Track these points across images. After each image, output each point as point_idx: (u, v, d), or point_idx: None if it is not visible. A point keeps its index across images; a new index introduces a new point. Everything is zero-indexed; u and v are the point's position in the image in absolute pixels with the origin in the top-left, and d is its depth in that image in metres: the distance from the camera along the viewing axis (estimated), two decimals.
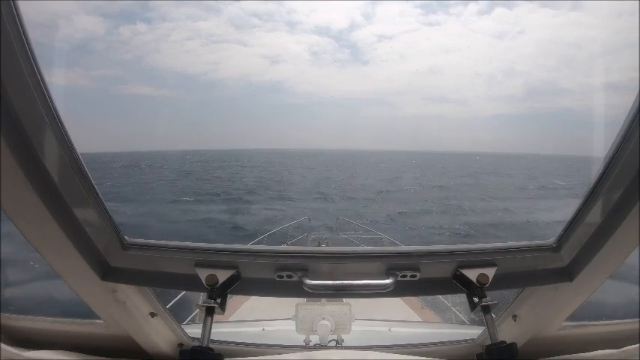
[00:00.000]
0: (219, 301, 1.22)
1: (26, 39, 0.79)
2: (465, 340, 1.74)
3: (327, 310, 2.07)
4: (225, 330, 2.26)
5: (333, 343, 2.08)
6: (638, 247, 1.11)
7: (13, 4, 0.76)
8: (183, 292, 3.34)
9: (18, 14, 0.77)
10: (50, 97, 0.87)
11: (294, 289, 1.26)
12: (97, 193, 1.08)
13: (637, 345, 1.33)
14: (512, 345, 1.20)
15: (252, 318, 3.04)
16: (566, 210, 1.22)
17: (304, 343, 2.12)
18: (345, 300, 2.12)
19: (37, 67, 0.83)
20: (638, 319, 1.54)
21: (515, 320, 1.50)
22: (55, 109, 0.89)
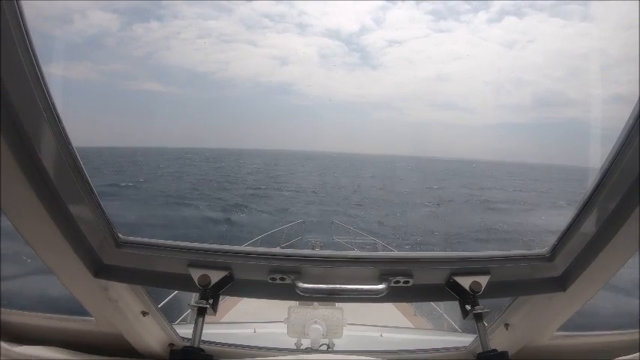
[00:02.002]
0: (211, 301, 1.22)
1: (27, 33, 0.79)
2: (457, 348, 1.74)
3: (319, 314, 2.07)
4: (216, 331, 2.25)
5: (325, 347, 2.08)
6: (632, 259, 1.12)
7: (17, 2, 0.76)
8: (176, 291, 3.33)
9: (20, 9, 0.77)
10: (49, 93, 0.87)
11: (286, 292, 1.25)
12: (92, 190, 1.07)
13: (629, 356, 1.34)
14: (504, 353, 1.20)
15: (244, 320, 3.04)
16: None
17: (295, 347, 2.11)
18: (337, 304, 2.12)
19: (36, 62, 0.82)
20: (630, 331, 1.55)
21: (507, 329, 1.50)
22: (53, 104, 0.89)
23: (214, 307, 1.23)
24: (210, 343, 1.66)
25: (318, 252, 1.28)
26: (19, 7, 0.76)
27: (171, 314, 3.36)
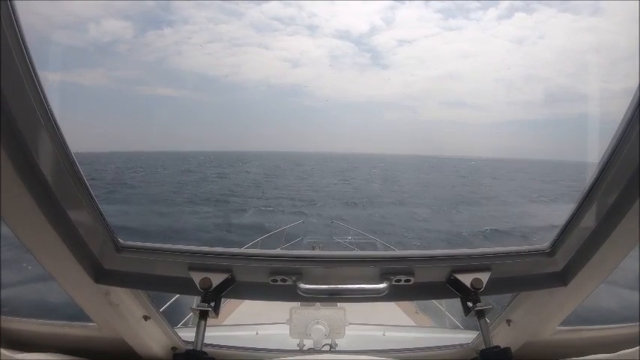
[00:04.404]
0: (213, 304, 1.22)
1: (23, 40, 0.79)
2: (460, 345, 1.74)
3: (321, 315, 2.07)
4: (218, 334, 2.25)
5: (327, 348, 2.08)
6: (633, 252, 1.12)
7: (10, 4, 0.75)
8: (177, 295, 3.32)
9: (15, 16, 0.76)
10: (46, 100, 0.87)
11: (288, 293, 1.25)
12: (91, 196, 1.07)
13: (632, 349, 1.34)
14: (507, 349, 1.20)
15: (246, 322, 3.03)
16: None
17: (298, 348, 2.11)
18: (339, 304, 2.12)
19: (33, 69, 0.82)
20: (632, 324, 1.55)
21: (509, 325, 1.50)
22: (50, 110, 0.89)
23: (216, 309, 1.23)
24: (212, 345, 1.66)
25: (318, 252, 1.28)
26: (15, 14, 0.76)
27: (173, 318, 3.35)
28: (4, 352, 1.28)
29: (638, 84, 0.93)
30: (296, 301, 1.36)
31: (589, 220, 1.14)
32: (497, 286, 1.28)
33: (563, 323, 1.47)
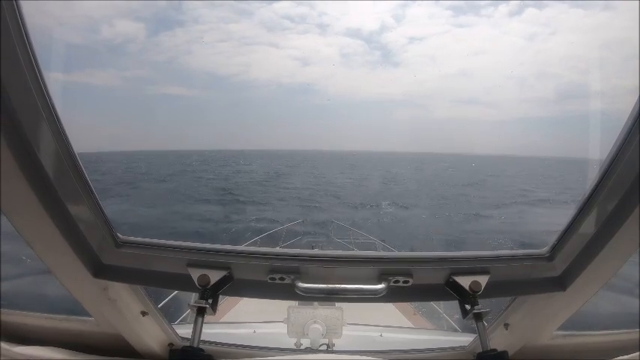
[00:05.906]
0: (210, 301, 1.21)
1: (27, 36, 0.79)
2: (457, 348, 1.74)
3: (319, 314, 2.07)
4: (216, 331, 2.25)
5: (324, 347, 2.08)
6: (631, 258, 1.12)
7: (16, 3, 0.76)
8: (175, 291, 3.33)
9: (20, 14, 0.77)
10: (48, 94, 0.87)
11: (286, 292, 1.25)
12: (91, 190, 1.07)
13: (630, 355, 1.34)
14: (504, 353, 1.20)
15: (244, 320, 3.03)
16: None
17: (295, 347, 2.11)
18: (337, 304, 2.12)
19: (36, 65, 0.82)
20: (631, 330, 1.55)
21: (506, 328, 1.50)
22: (53, 106, 0.89)
23: (214, 306, 1.23)
24: (209, 343, 1.66)
25: (317, 252, 1.28)
26: (19, 10, 0.76)
27: (170, 314, 3.36)
28: (4, 345, 1.29)
29: (638, 90, 0.93)
30: (294, 300, 1.37)
31: (589, 226, 1.14)
32: (496, 289, 1.28)
33: (561, 328, 1.47)
